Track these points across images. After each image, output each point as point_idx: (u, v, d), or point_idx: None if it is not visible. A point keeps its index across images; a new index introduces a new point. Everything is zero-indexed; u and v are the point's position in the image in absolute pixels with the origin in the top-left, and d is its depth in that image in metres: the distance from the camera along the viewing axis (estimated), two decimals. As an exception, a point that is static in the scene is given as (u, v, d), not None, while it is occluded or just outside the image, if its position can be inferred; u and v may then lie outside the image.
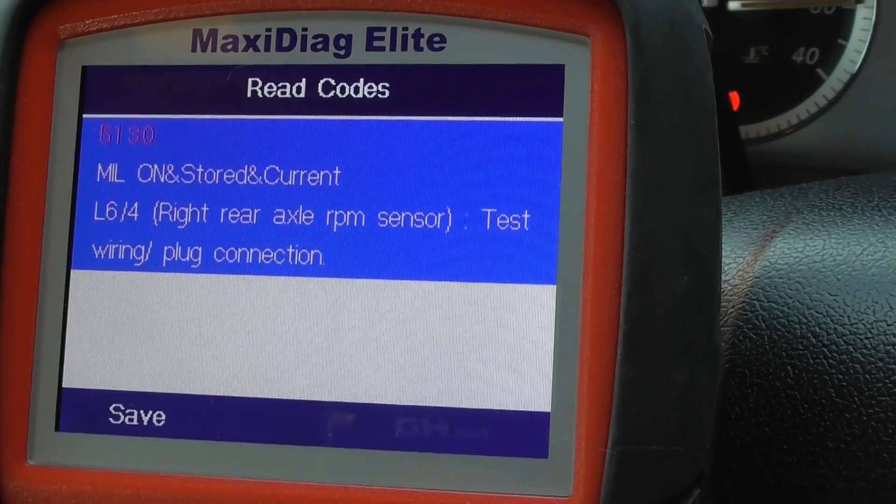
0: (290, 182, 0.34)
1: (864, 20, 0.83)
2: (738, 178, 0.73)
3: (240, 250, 0.34)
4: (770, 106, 0.85)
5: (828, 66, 0.84)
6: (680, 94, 0.32)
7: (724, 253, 0.40)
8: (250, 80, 0.35)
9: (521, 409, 0.33)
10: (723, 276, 0.39)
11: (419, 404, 0.33)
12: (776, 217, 0.41)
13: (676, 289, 0.32)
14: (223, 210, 0.35)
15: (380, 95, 0.34)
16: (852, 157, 0.83)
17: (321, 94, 0.34)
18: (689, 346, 0.32)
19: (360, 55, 0.34)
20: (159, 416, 0.35)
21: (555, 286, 0.33)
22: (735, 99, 0.85)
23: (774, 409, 0.38)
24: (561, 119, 0.33)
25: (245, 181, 0.35)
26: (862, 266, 0.39)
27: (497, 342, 0.33)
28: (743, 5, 0.84)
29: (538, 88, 0.33)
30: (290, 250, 0.34)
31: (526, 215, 0.33)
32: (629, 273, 0.32)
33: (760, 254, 0.39)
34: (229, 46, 0.35)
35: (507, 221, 0.33)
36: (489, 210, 0.33)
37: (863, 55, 0.83)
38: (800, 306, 0.38)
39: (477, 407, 0.33)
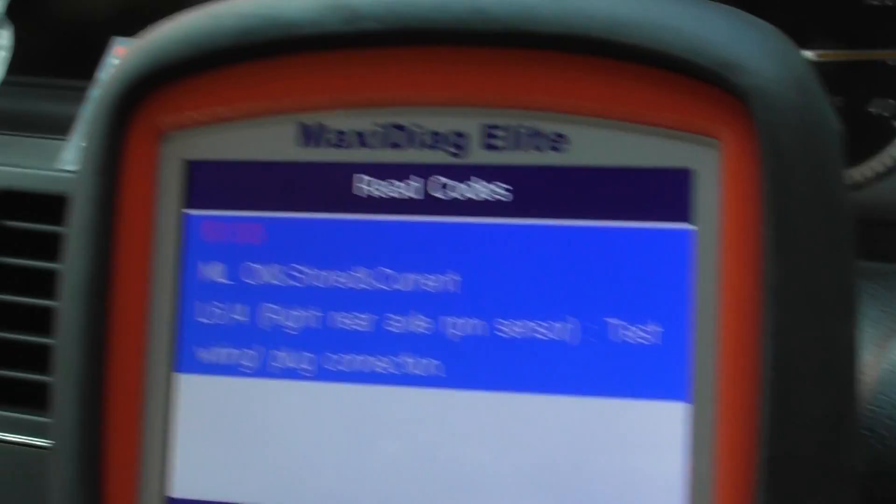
0: (404, 287, 0.33)
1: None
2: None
3: (352, 358, 0.33)
4: (845, 158, 0.83)
5: (900, 115, 0.83)
6: (817, 201, 0.31)
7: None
8: (360, 178, 0.34)
9: None
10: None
11: None
12: (892, 312, 0.39)
13: (818, 410, 0.30)
14: (334, 315, 0.33)
15: (499, 197, 0.33)
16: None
17: (435, 194, 0.33)
18: (830, 472, 0.31)
19: (476, 154, 0.33)
20: None
21: (687, 404, 0.31)
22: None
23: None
24: (690, 226, 0.32)
25: (357, 285, 0.33)
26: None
27: (625, 463, 0.32)
28: (818, 56, 0.82)
29: (666, 193, 0.32)
30: (406, 359, 0.33)
31: (654, 328, 0.32)
32: (768, 393, 0.30)
33: (881, 355, 0.38)
34: (338, 142, 0.34)
35: (635, 333, 0.32)
36: (615, 321, 0.32)
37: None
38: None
39: None
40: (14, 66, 0.78)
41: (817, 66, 0.82)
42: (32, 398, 0.72)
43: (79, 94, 0.76)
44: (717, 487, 0.30)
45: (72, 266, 0.33)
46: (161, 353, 0.33)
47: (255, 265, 0.33)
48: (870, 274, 0.43)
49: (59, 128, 0.76)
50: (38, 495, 0.67)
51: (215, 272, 0.33)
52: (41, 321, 0.73)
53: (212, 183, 0.34)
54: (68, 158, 0.74)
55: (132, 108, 0.33)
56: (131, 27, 0.81)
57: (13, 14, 0.78)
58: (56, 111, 0.78)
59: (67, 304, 0.33)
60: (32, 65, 0.79)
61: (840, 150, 0.31)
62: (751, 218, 0.30)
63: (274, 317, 0.33)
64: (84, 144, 0.34)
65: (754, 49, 0.30)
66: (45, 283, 0.73)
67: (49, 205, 0.73)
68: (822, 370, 0.30)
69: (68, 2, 0.83)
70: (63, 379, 0.33)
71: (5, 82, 0.78)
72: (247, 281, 0.33)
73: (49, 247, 0.73)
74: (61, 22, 0.85)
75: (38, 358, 0.73)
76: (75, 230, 0.34)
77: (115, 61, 0.75)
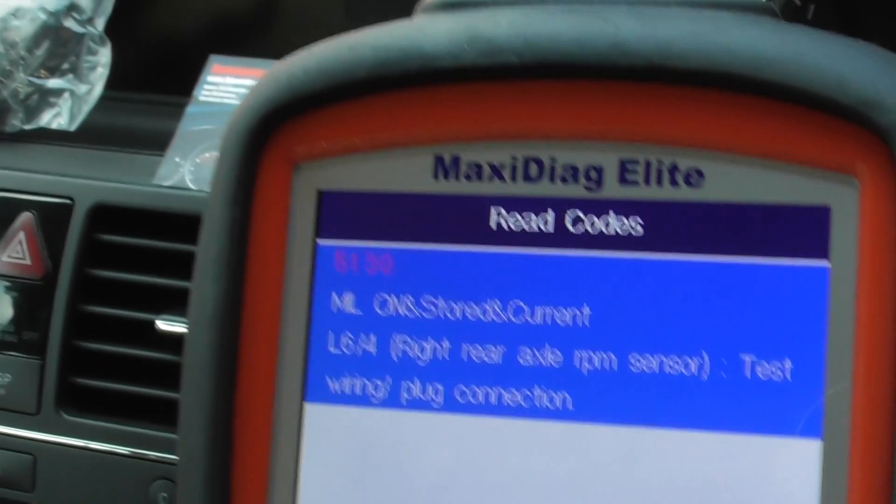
0: (536, 320, 0.33)
1: None
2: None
3: (483, 390, 0.33)
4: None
5: None
6: None
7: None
8: (494, 211, 0.33)
9: None
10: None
11: None
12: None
13: None
14: (465, 347, 0.33)
15: (632, 232, 0.33)
16: None
17: (569, 227, 0.33)
18: None
19: (612, 189, 0.33)
20: None
21: (820, 441, 0.31)
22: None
23: None
24: (827, 263, 0.31)
25: (488, 317, 0.33)
26: None
27: (755, 500, 0.31)
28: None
29: (802, 230, 0.32)
30: (537, 392, 0.33)
31: (788, 364, 0.31)
32: None
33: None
34: (473, 175, 0.33)
35: (768, 369, 0.32)
36: (748, 357, 0.32)
37: None
38: None
39: None
40: (110, 81, 0.78)
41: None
42: (121, 407, 0.73)
43: (173, 110, 0.76)
44: (853, 461, 0.30)
45: (202, 294, 0.33)
46: (291, 382, 0.33)
47: (385, 296, 0.33)
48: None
49: (153, 143, 0.76)
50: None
51: (346, 302, 0.33)
52: (130, 332, 0.73)
53: (344, 213, 0.34)
54: (163, 174, 0.74)
55: (266, 137, 0.33)
56: (224, 44, 0.81)
57: (110, 31, 0.79)
58: (150, 126, 0.78)
59: (197, 332, 0.33)
60: (127, 80, 0.79)
61: None
62: (888, 256, 0.30)
63: (404, 347, 0.33)
64: (216, 172, 0.34)
65: (894, 87, 0.30)
66: (135, 295, 0.74)
67: (143, 219, 0.74)
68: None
69: (162, 19, 0.83)
70: (191, 405, 0.33)
71: (102, 97, 0.79)
72: (377, 311, 0.33)
73: (141, 260, 0.74)
74: (156, 39, 0.85)
75: (128, 368, 0.73)
76: (207, 259, 0.34)
77: (214, 82, 0.76)
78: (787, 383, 0.31)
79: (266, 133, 0.33)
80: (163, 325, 0.72)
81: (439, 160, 0.33)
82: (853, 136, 0.30)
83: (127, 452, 0.73)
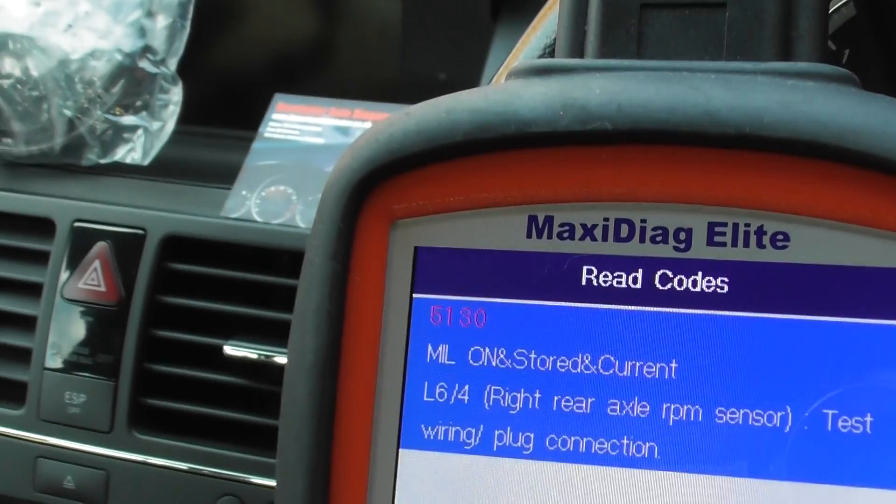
0: (625, 373, 0.32)
1: None
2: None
3: (573, 439, 0.32)
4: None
5: None
6: None
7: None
8: (585, 269, 0.33)
9: None
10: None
11: None
12: None
13: None
14: (556, 397, 0.32)
15: (718, 290, 0.32)
16: None
17: (658, 286, 0.32)
18: None
19: (700, 249, 0.32)
20: None
21: None
22: None
23: None
24: None
25: (579, 369, 0.32)
26: None
27: None
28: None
29: (885, 291, 0.31)
30: (625, 441, 0.32)
31: (869, 418, 0.31)
32: None
33: None
34: (565, 234, 0.33)
35: (850, 423, 0.31)
36: (830, 412, 0.31)
37: None
38: None
39: None
40: (180, 117, 0.78)
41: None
42: (190, 427, 0.73)
43: (239, 144, 0.76)
44: None
45: (302, 345, 0.33)
46: (387, 430, 0.32)
47: (479, 347, 0.32)
48: None
49: (221, 176, 0.76)
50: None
51: (441, 353, 0.33)
52: (199, 356, 0.73)
53: (439, 269, 0.33)
54: (231, 207, 0.74)
55: (366, 196, 0.33)
56: (286, 81, 0.81)
57: (181, 70, 0.79)
58: (218, 160, 0.78)
59: (296, 381, 0.33)
60: (197, 116, 0.79)
61: None
62: None
63: (496, 397, 0.32)
64: (315, 227, 0.33)
65: None
66: (203, 322, 0.74)
67: (212, 249, 0.74)
68: None
69: (229, 58, 0.83)
70: (290, 451, 0.33)
71: (173, 132, 0.79)
72: (471, 363, 0.32)
73: (210, 288, 0.74)
74: (223, 77, 0.85)
75: (197, 390, 0.73)
76: (306, 310, 0.33)
77: (279, 119, 0.76)
78: (867, 436, 0.30)
79: (366, 191, 0.32)
80: (230, 350, 0.72)
81: (533, 220, 0.32)
82: None
83: (195, 469, 0.73)
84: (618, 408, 0.32)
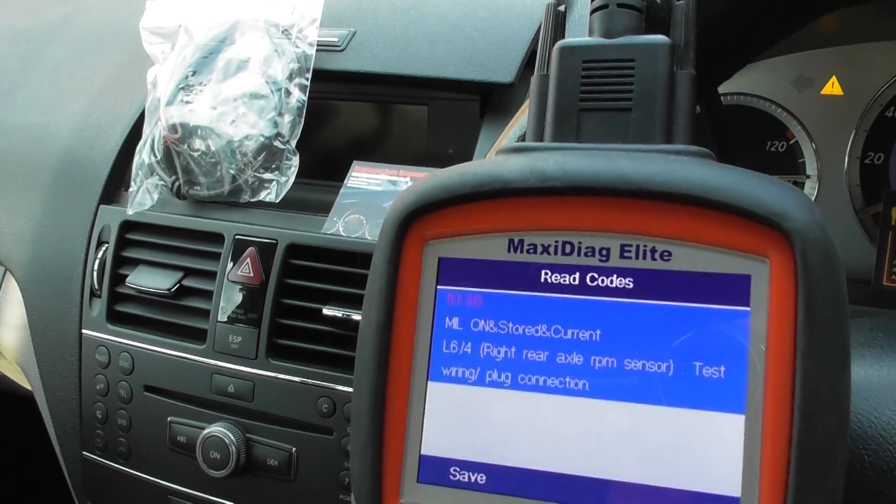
0: (568, 336, 0.30)
1: (810, 188, 0.77)
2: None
3: (535, 377, 0.30)
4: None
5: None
6: (831, 298, 0.27)
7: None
8: (543, 272, 0.30)
9: (721, 493, 0.28)
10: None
11: (648, 484, 0.29)
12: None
13: (829, 425, 0.27)
14: (524, 350, 0.30)
15: (627, 286, 0.29)
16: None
17: (588, 283, 0.30)
18: (834, 460, 0.27)
19: (615, 261, 0.30)
20: (482, 476, 0.30)
21: (743, 415, 0.28)
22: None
23: (856, 484, 0.32)
24: (748, 308, 0.28)
25: (539, 334, 0.30)
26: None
27: (700, 451, 0.28)
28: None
29: (734, 288, 0.28)
30: (568, 379, 0.29)
31: (722, 368, 0.28)
32: (799, 414, 0.27)
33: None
34: (531, 250, 0.30)
35: (711, 371, 0.28)
36: (698, 363, 0.28)
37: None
38: (869, 414, 0.33)
39: (694, 490, 0.28)
40: (298, 174, 0.76)
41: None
42: (304, 356, 0.70)
43: (332, 190, 0.73)
44: (763, 469, 0.27)
45: (368, 314, 0.31)
46: (421, 370, 0.30)
47: (478, 319, 0.30)
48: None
49: (321, 209, 0.74)
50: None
51: (454, 323, 0.30)
52: (309, 314, 0.71)
53: (454, 270, 0.31)
54: (327, 227, 0.72)
55: (408, 225, 0.30)
56: (361, 152, 0.79)
57: (299, 146, 0.77)
58: (319, 199, 0.76)
59: (365, 339, 0.31)
60: (307, 172, 0.77)
61: (841, 263, 0.27)
62: (788, 304, 0.27)
63: (487, 350, 0.30)
64: (378, 245, 0.31)
65: (793, 204, 0.27)
66: (312, 294, 0.71)
67: (317, 251, 0.72)
68: (831, 402, 0.27)
69: (326, 138, 0.81)
70: (360, 378, 0.31)
71: (294, 183, 0.76)
72: (472, 329, 0.30)
73: (315, 274, 0.71)
74: (323, 148, 0.83)
75: (307, 334, 0.71)
76: (372, 295, 0.31)
77: (356, 175, 0.73)
78: (722, 380, 0.28)
79: (408, 223, 0.30)
80: (327, 311, 0.69)
81: (511, 241, 0.30)
82: (767, 234, 0.27)
83: (305, 382, 0.70)
84: (563, 358, 0.30)
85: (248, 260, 0.74)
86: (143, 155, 0.80)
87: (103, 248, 0.82)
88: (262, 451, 0.73)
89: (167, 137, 0.78)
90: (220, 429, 0.73)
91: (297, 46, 0.79)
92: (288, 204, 0.75)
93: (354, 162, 0.74)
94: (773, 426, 0.27)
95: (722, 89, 0.79)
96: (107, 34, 1.00)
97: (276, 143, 0.76)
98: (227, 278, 0.75)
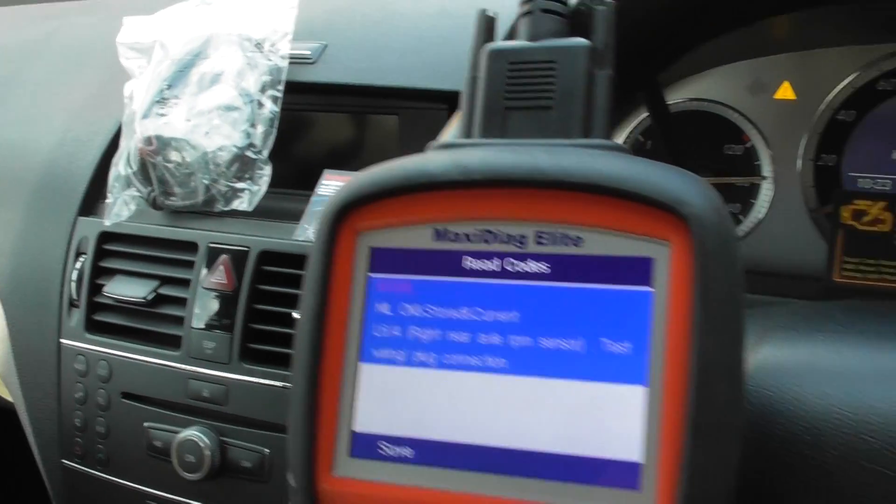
0: (488, 318, 0.32)
1: (766, 189, 0.80)
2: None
3: (458, 356, 0.32)
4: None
5: (746, 213, 0.81)
6: (725, 278, 0.29)
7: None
8: (466, 258, 0.32)
9: (625, 459, 0.30)
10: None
11: (560, 452, 0.31)
12: (758, 332, 0.37)
13: (722, 394, 0.29)
14: (448, 332, 0.32)
15: (543, 270, 0.31)
16: (756, 266, 0.80)
17: (507, 268, 0.32)
18: (728, 429, 0.29)
19: (532, 247, 0.32)
20: (409, 450, 0.32)
21: (646, 387, 0.30)
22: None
23: (767, 456, 0.34)
24: (651, 289, 0.30)
25: (461, 316, 0.32)
26: (810, 364, 0.36)
27: (606, 420, 0.30)
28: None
29: (638, 270, 0.31)
30: (488, 358, 0.32)
31: (628, 344, 0.30)
32: (694, 384, 0.29)
33: (753, 355, 0.36)
34: (454, 238, 0.32)
35: (617, 347, 0.30)
36: (606, 340, 0.31)
37: (766, 209, 0.80)
38: (780, 390, 0.35)
39: (601, 457, 0.30)
40: (270, 183, 0.78)
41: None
42: (275, 360, 0.72)
43: (303, 199, 0.76)
44: (662, 436, 0.28)
45: (307, 302, 0.33)
46: (353, 352, 0.32)
47: (406, 304, 0.32)
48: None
49: (292, 217, 0.76)
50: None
51: (384, 308, 0.32)
52: (279, 318, 0.73)
53: (384, 259, 0.33)
54: (298, 234, 0.74)
55: (342, 218, 0.32)
56: (332, 161, 0.81)
57: (272, 156, 0.79)
58: (291, 208, 0.77)
59: (303, 323, 0.33)
60: (279, 182, 0.79)
61: (738, 248, 0.30)
62: (686, 284, 0.29)
63: (415, 333, 0.32)
64: (314, 236, 0.33)
65: (692, 191, 0.29)
66: (282, 299, 0.73)
67: (287, 258, 0.73)
68: (724, 372, 0.29)
69: (299, 148, 0.83)
70: (298, 364, 0.33)
71: (266, 193, 0.78)
72: (401, 313, 0.32)
73: (285, 280, 0.73)
74: (295, 158, 0.85)
75: (278, 338, 0.72)
76: (310, 282, 0.33)
77: (326, 183, 0.75)
78: (627, 355, 0.30)
79: (342, 216, 0.32)
80: (296, 314, 0.71)
81: (436, 231, 0.32)
82: (667, 220, 0.29)
83: (275, 385, 0.72)
84: (484, 338, 0.32)
85: (222, 267, 0.76)
86: (120, 167, 0.83)
87: (82, 259, 0.84)
88: (237, 453, 0.74)
89: (142, 150, 0.80)
90: (194, 432, 0.75)
91: (270, 59, 0.81)
92: (261, 212, 0.77)
93: (325, 170, 0.77)
94: (672, 397, 0.29)
95: (680, 95, 0.81)
96: (87, 51, 1.02)
97: (249, 154, 0.78)
98: (202, 285, 0.77)
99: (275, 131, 0.79)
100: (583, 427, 0.30)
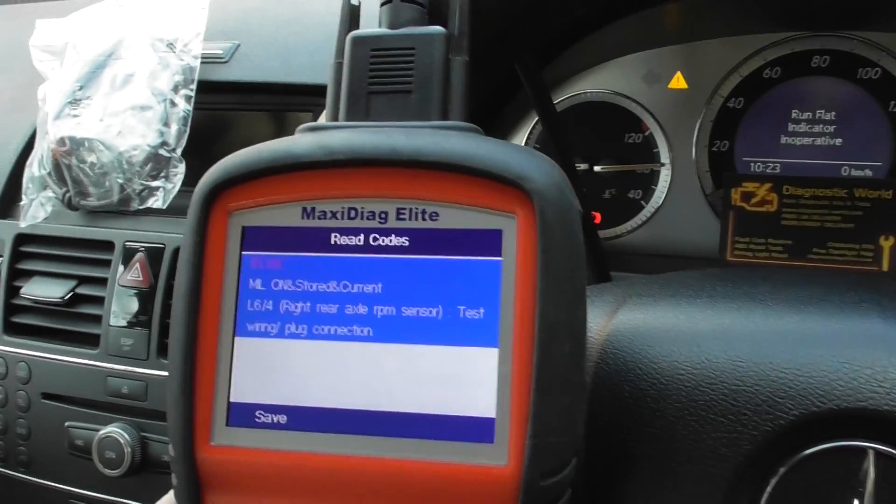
0: (354, 290, 0.33)
1: (665, 176, 0.83)
2: (597, 259, 0.72)
3: (327, 327, 0.33)
4: (616, 220, 0.85)
5: (647, 199, 0.84)
6: (565, 246, 0.31)
7: (588, 320, 0.39)
8: (332, 235, 0.34)
9: (480, 415, 0.32)
10: (588, 334, 0.38)
11: (423, 412, 0.32)
12: (618, 300, 0.40)
13: (563, 352, 0.31)
14: (318, 305, 0.34)
15: (404, 244, 0.33)
16: (657, 249, 0.83)
17: (371, 242, 0.33)
18: (570, 384, 0.31)
19: (393, 222, 0.33)
20: (283, 417, 0.34)
21: (497, 349, 0.32)
22: (598, 217, 0.85)
23: (618, 411, 0.37)
24: (501, 258, 0.32)
25: (329, 289, 0.34)
26: (658, 327, 0.38)
27: (464, 378, 0.32)
28: (602, 169, 0.83)
29: (489, 241, 0.32)
30: (355, 327, 0.33)
31: (482, 310, 0.32)
32: (538, 343, 0.31)
33: (610, 320, 0.38)
34: (321, 216, 0.34)
35: (472, 313, 0.32)
36: (462, 307, 0.32)
37: (664, 195, 0.83)
38: (635, 351, 0.37)
39: (459, 414, 0.32)
40: (183, 181, 0.79)
41: (602, 173, 0.83)
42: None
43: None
44: (513, 393, 0.30)
45: (181, 279, 0.34)
46: (228, 327, 0.33)
47: (278, 280, 0.34)
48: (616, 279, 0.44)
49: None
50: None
51: (256, 284, 0.34)
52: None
53: (256, 237, 0.34)
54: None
55: (214, 198, 0.34)
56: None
57: (185, 154, 0.79)
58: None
59: (179, 299, 0.34)
60: (193, 181, 0.79)
61: (578, 219, 0.32)
62: (532, 254, 0.31)
63: (286, 306, 0.33)
64: (188, 218, 0.35)
65: (535, 168, 0.31)
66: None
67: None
68: (565, 333, 0.31)
69: (211, 147, 0.84)
70: (175, 337, 0.34)
71: (179, 190, 0.79)
72: (273, 288, 0.34)
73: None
74: (207, 158, 0.86)
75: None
76: (183, 261, 0.34)
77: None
78: (481, 320, 0.32)
79: (213, 197, 0.34)
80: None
81: (304, 209, 0.33)
82: (514, 195, 0.31)
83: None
84: (351, 309, 0.33)
85: (138, 265, 0.77)
86: (34, 168, 0.83)
87: (-2, 262, 0.84)
88: (157, 448, 0.75)
89: (55, 151, 0.80)
90: (115, 429, 0.75)
91: (182, 59, 0.82)
92: (175, 210, 0.78)
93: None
94: (520, 357, 0.31)
95: (581, 87, 0.84)
96: (3, 55, 1.02)
97: (162, 152, 0.79)
98: (119, 283, 0.77)
99: (188, 130, 0.80)
100: (443, 388, 0.32)
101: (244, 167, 0.34)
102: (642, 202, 0.83)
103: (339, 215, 0.34)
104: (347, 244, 0.34)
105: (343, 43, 0.38)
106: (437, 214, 0.33)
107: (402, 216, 0.33)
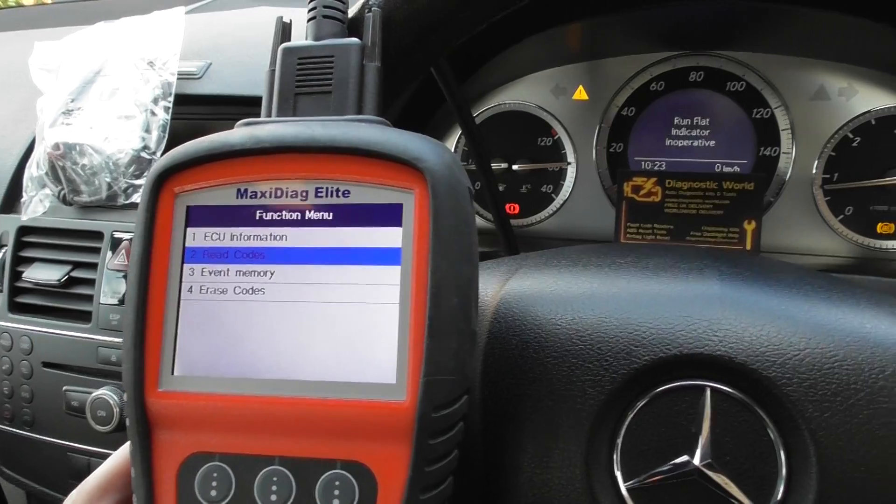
0: (279, 258, 0.33)
1: (571, 173, 0.84)
2: (509, 240, 0.73)
3: (256, 288, 0.33)
4: (531, 211, 0.85)
5: (556, 192, 0.85)
6: (453, 215, 0.32)
7: (484, 285, 0.39)
8: (260, 211, 0.34)
9: (384, 360, 0.32)
10: (482, 296, 0.39)
11: (335, 359, 0.32)
12: (511, 270, 0.40)
13: (452, 303, 0.31)
14: (249, 270, 0.34)
15: (326, 217, 0.33)
16: (566, 234, 0.84)
17: (296, 217, 0.34)
18: (458, 331, 0.31)
19: (312, 200, 0.33)
20: (217, 366, 0.33)
21: (398, 304, 0.32)
22: (516, 208, 0.86)
23: (506, 360, 0.37)
24: (401, 228, 0.32)
25: (258, 258, 0.34)
26: (542, 291, 0.38)
27: (377, 330, 0.32)
28: (519, 168, 0.84)
29: (391, 214, 0.33)
30: (277, 288, 0.33)
31: (389, 268, 0.32)
32: (430, 297, 0.31)
33: (502, 286, 0.39)
34: (252, 196, 0.34)
35: (379, 276, 0.32)
36: (369, 268, 0.33)
37: (571, 189, 0.84)
38: (521, 311, 0.38)
39: (367, 360, 0.32)
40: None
41: (519, 171, 0.84)
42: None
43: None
44: (410, 340, 0.31)
45: (135, 251, 0.33)
46: (174, 290, 0.33)
47: (216, 250, 0.34)
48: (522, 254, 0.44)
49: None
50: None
51: (198, 254, 0.34)
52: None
53: (198, 215, 0.34)
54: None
55: (163, 182, 0.34)
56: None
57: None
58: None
59: (132, 265, 0.34)
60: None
61: (468, 195, 0.32)
62: (426, 222, 0.31)
63: (223, 272, 0.33)
64: (141, 199, 0.34)
65: (428, 151, 0.31)
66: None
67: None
68: (454, 287, 0.31)
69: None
70: (129, 302, 0.33)
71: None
72: (212, 258, 0.34)
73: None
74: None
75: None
76: (137, 235, 0.34)
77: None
78: (386, 280, 0.32)
79: (162, 180, 0.33)
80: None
81: (238, 190, 0.33)
82: (412, 173, 0.31)
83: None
84: (274, 273, 0.33)
85: (124, 251, 0.76)
86: (33, 169, 0.81)
87: (3, 251, 0.82)
88: (142, 407, 0.74)
89: (51, 154, 0.79)
90: (105, 392, 0.74)
91: (161, 75, 0.81)
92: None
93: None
94: (417, 309, 0.31)
95: (500, 98, 0.85)
96: (9, 74, 0.99)
97: (144, 155, 0.78)
98: (107, 267, 0.76)
99: (166, 136, 0.79)
100: (353, 338, 0.32)
101: (188, 155, 0.34)
102: (553, 195, 0.84)
103: (267, 195, 0.34)
104: (273, 219, 0.34)
105: (276, 53, 0.38)
106: (349, 192, 0.33)
107: (319, 194, 0.33)
